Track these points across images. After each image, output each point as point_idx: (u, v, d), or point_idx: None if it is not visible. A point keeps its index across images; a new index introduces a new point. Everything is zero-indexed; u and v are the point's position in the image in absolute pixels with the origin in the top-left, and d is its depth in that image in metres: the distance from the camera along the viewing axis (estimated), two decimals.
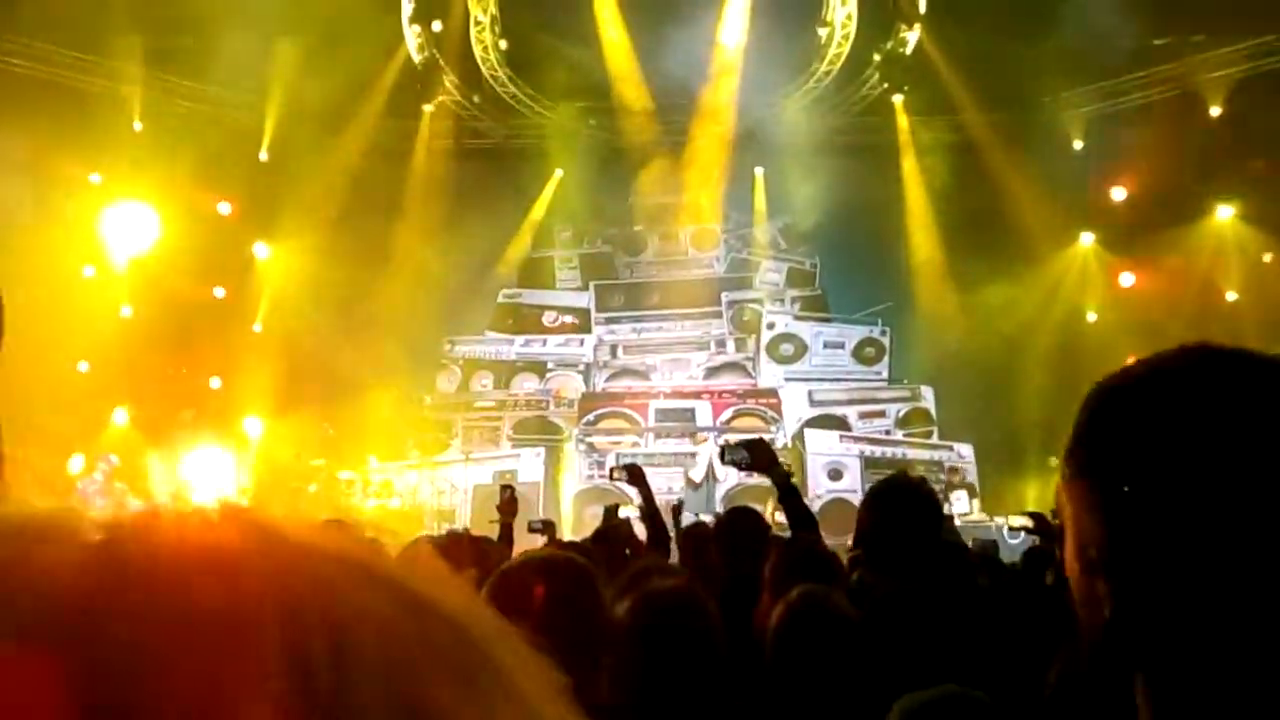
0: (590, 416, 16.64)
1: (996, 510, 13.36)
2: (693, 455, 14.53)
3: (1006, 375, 14.54)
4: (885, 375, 16.92)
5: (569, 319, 17.63)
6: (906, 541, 2.77)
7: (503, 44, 16.28)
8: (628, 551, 5.50)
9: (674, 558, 5.14)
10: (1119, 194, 15.18)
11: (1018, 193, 14.83)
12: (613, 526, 5.74)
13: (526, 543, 5.59)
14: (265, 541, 0.37)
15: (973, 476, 15.35)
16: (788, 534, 4.39)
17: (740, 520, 4.24)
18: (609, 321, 17.55)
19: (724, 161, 16.54)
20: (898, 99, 16.12)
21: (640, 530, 5.90)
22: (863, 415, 16.50)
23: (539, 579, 2.20)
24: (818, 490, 15.09)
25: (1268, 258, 14.11)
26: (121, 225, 14.75)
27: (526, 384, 17.22)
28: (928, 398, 16.46)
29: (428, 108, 16.43)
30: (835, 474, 15.58)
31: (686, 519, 7.51)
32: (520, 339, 17.45)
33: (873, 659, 2.35)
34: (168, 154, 14.36)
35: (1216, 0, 13.29)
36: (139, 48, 14.31)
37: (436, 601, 0.38)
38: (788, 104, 16.37)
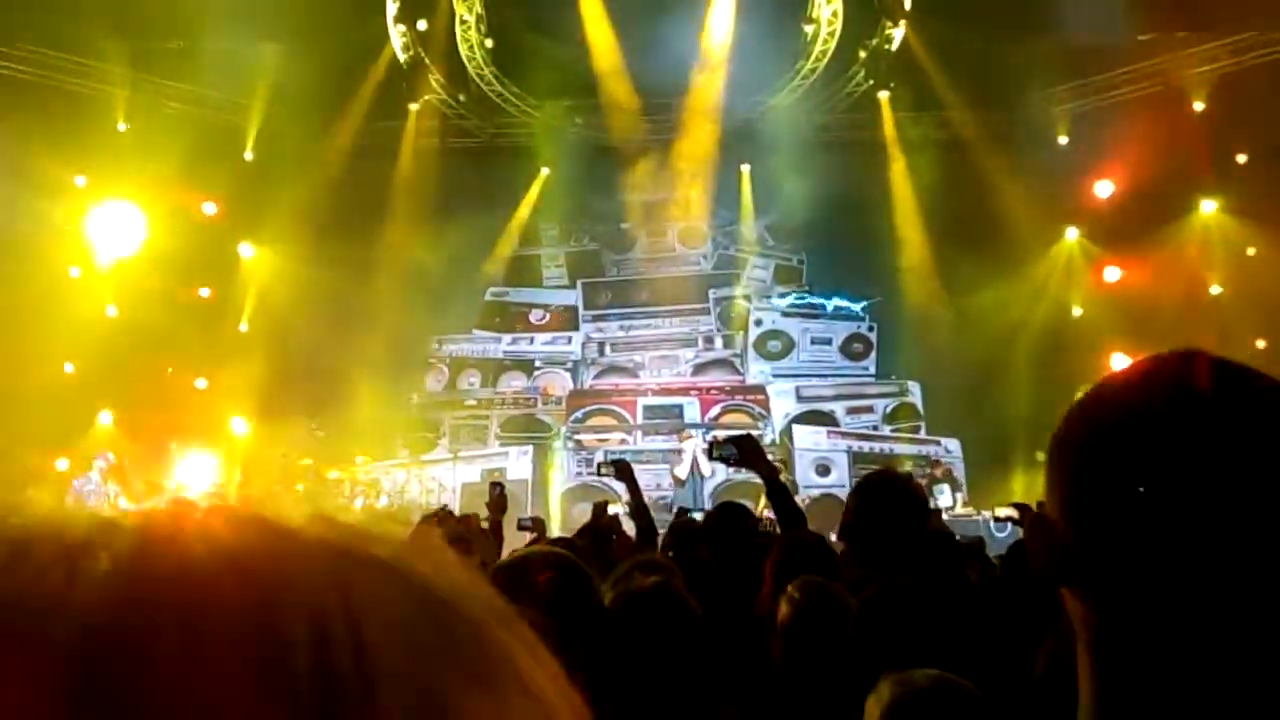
0: (578, 414, 16.64)
1: (983, 505, 13.40)
2: (679, 452, 14.54)
3: (993, 370, 14.60)
4: (873, 371, 16.96)
5: (556, 316, 17.62)
6: (891, 535, 2.79)
7: (488, 42, 16.25)
8: (614, 546, 5.52)
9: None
10: (1104, 189, 15.26)
11: (1003, 188, 14.88)
12: (601, 523, 5.76)
13: (516, 540, 5.60)
14: (280, 541, 0.37)
15: (959, 471, 15.40)
16: (776, 530, 4.41)
17: (728, 516, 4.26)
18: (596, 319, 17.55)
19: (711, 158, 16.54)
20: (883, 95, 16.16)
21: (629, 526, 5.92)
22: (850, 411, 16.54)
23: (545, 572, 2.20)
24: (806, 486, 15.13)
25: (1251, 251, 14.21)
26: (107, 226, 14.70)
27: (514, 382, 17.21)
28: (915, 393, 16.51)
29: (414, 107, 16.40)
30: (823, 469, 15.63)
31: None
32: (508, 337, 17.44)
33: (866, 652, 2.36)
34: (153, 155, 14.30)
35: None
36: (124, 49, 14.26)
37: (453, 595, 0.38)
38: (774, 101, 16.39)
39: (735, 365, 17.18)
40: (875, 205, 15.79)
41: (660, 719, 2.23)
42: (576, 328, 17.51)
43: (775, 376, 16.90)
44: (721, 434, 5.68)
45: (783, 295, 17.28)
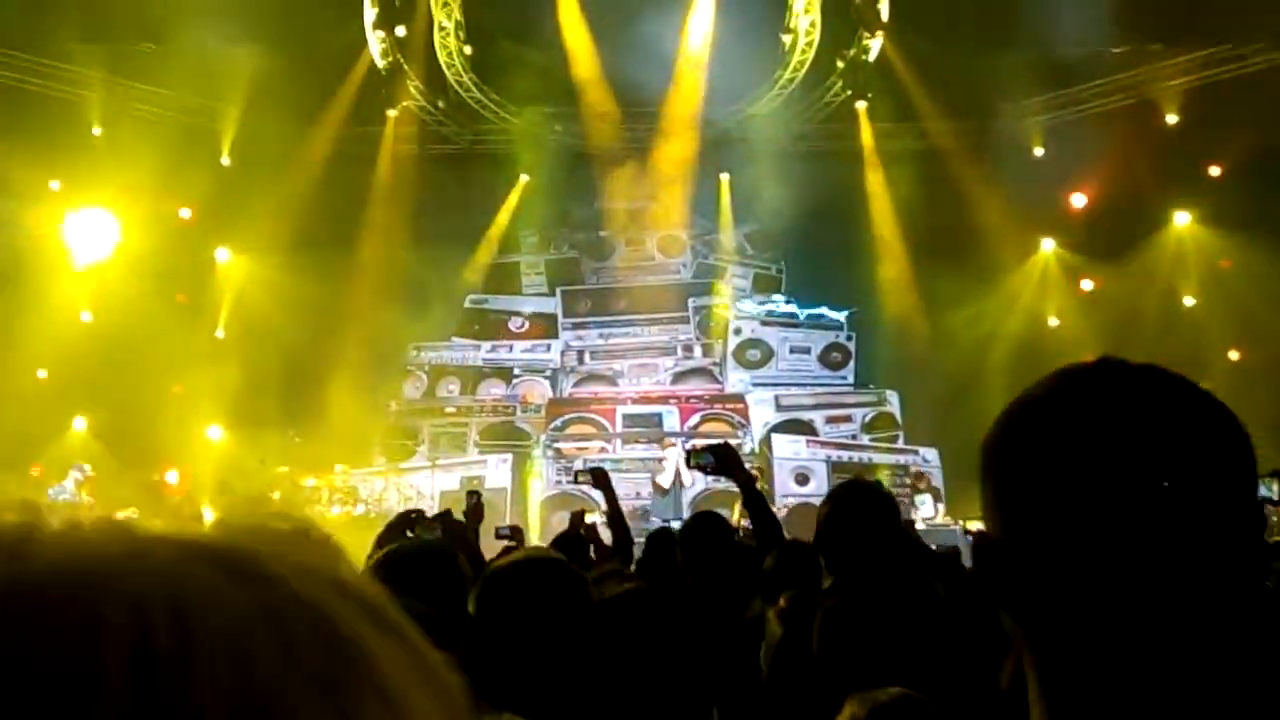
0: (557, 422, 16.61)
1: (961, 515, 13.46)
2: (660, 460, 14.53)
3: (971, 380, 14.64)
4: (851, 380, 17.03)
5: (535, 324, 17.60)
6: (864, 544, 2.80)
7: (467, 49, 16.25)
8: (592, 556, 5.51)
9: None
10: (1079, 200, 15.39)
11: (980, 199, 14.98)
12: (574, 531, 5.75)
13: (493, 549, 5.57)
14: (125, 543, 0.38)
15: (938, 481, 15.47)
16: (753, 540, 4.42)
17: (704, 525, 4.26)
18: (576, 327, 17.54)
19: (690, 167, 16.57)
20: (861, 106, 16.24)
21: (607, 535, 5.91)
22: (829, 420, 16.59)
23: (531, 579, 2.19)
24: (785, 495, 15.15)
25: (1225, 263, 14.35)
26: (82, 231, 14.59)
27: (493, 390, 17.17)
28: (893, 402, 16.58)
29: (392, 113, 16.35)
30: (802, 478, 15.65)
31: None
32: (487, 345, 17.39)
33: (828, 666, 2.37)
34: (128, 159, 14.18)
35: (1172, 10, 13.50)
36: (99, 53, 14.16)
37: (307, 594, 0.38)
38: (753, 110, 16.46)
39: (714, 374, 17.20)
40: (853, 215, 15.86)
41: None
42: (556, 335, 17.50)
43: (754, 385, 16.93)
44: (700, 442, 5.70)
45: (761, 303, 17.33)
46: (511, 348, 17.41)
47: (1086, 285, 15.49)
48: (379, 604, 0.40)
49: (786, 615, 2.65)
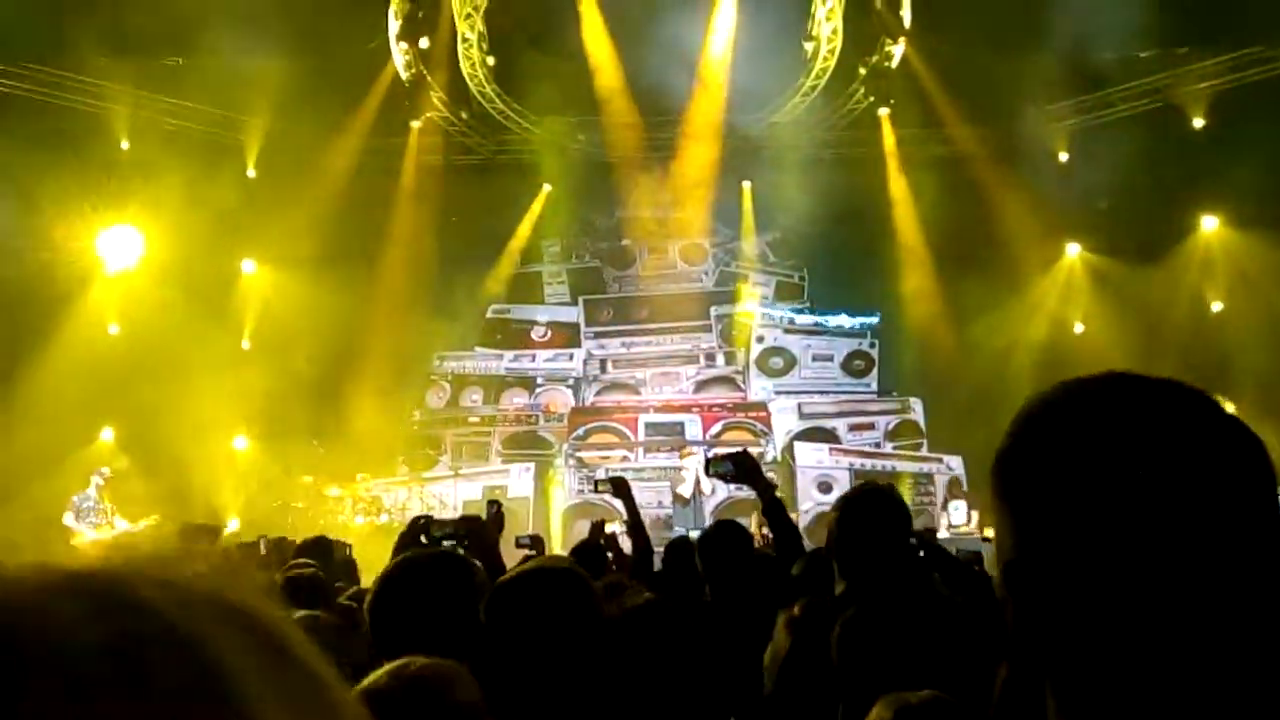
0: (580, 431, 16.62)
1: (984, 521, 13.35)
2: (680, 470, 14.50)
3: (995, 386, 14.54)
4: (874, 388, 16.95)
5: (557, 333, 17.64)
6: (875, 549, 2.78)
7: (490, 60, 16.33)
8: (613, 566, 5.50)
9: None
10: (1104, 205, 15.26)
11: (1004, 204, 14.90)
12: (594, 541, 5.74)
13: (514, 559, 5.57)
14: None
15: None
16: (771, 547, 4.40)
17: (723, 534, 4.24)
18: (598, 336, 17.56)
19: (712, 175, 16.57)
20: (884, 112, 16.19)
21: (627, 545, 5.89)
22: (852, 428, 16.52)
23: (539, 589, 2.19)
24: (807, 503, 15.09)
25: (1252, 268, 14.18)
26: (110, 243, 14.75)
27: (516, 399, 17.21)
28: (917, 410, 16.49)
29: (415, 124, 16.45)
30: (825, 486, 15.58)
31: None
32: (509, 354, 17.45)
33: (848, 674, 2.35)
34: (155, 172, 14.34)
35: (1199, 13, 13.39)
36: (126, 67, 14.30)
37: (170, 621, 0.37)
38: (775, 117, 16.44)
39: (737, 382, 17.17)
40: (876, 222, 15.80)
41: None
42: (578, 344, 17.53)
43: (777, 393, 16.89)
44: (719, 451, 5.68)
45: (784, 312, 17.30)
46: (534, 357, 17.44)
47: (1112, 291, 15.34)
48: (269, 629, 0.39)
49: (797, 624, 2.63)
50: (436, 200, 16.17)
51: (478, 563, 4.09)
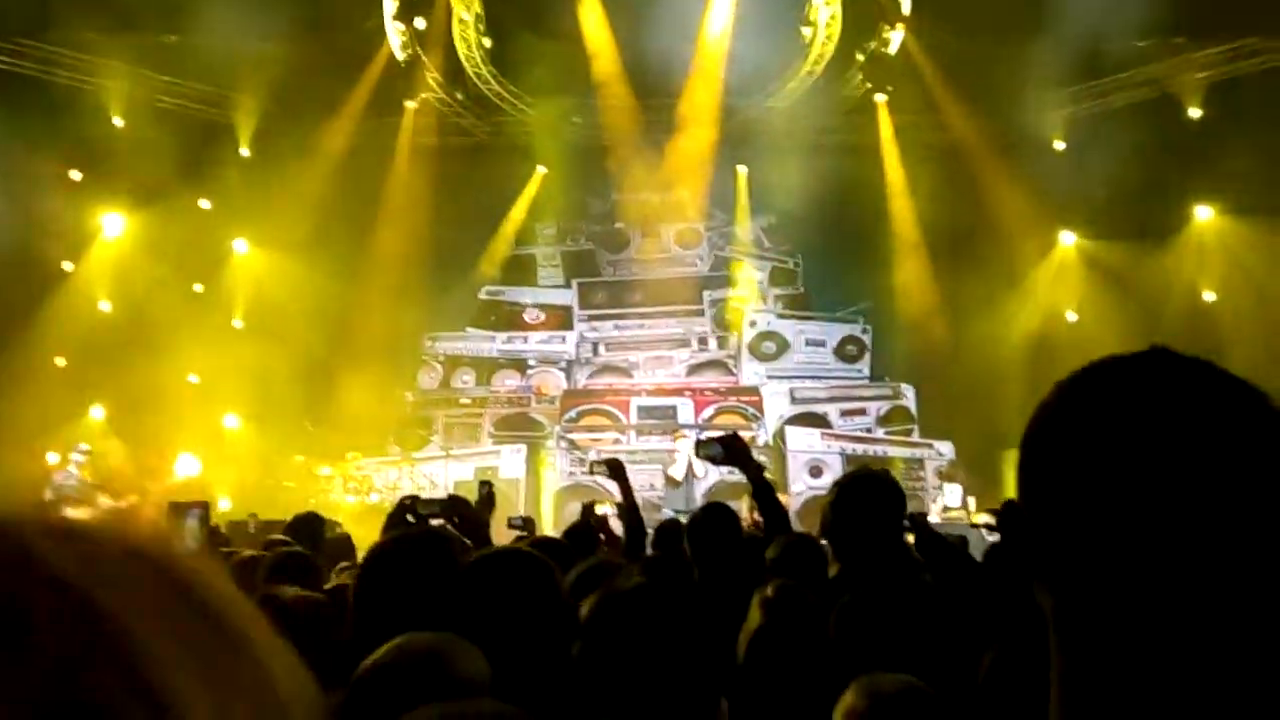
0: (572, 413, 16.64)
1: (982, 506, 13.40)
2: (672, 453, 14.51)
3: (987, 373, 14.59)
4: (866, 373, 16.98)
5: (550, 315, 17.63)
6: (871, 533, 2.79)
7: (486, 41, 16.26)
8: (605, 548, 5.51)
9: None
10: (1099, 194, 15.25)
11: (1000, 192, 14.90)
12: (586, 522, 5.76)
13: (507, 539, 5.58)
14: None
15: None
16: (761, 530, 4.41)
17: (712, 517, 4.25)
18: (591, 318, 17.56)
19: (707, 160, 16.53)
20: (881, 98, 16.16)
21: (618, 527, 5.91)
22: (844, 413, 16.55)
23: (498, 573, 2.20)
24: (798, 488, 15.13)
25: (1247, 258, 14.20)
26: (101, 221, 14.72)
27: (508, 380, 17.21)
28: (909, 396, 16.52)
29: (410, 105, 16.39)
30: (816, 471, 15.62)
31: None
32: (502, 336, 17.44)
33: (840, 658, 2.36)
34: (148, 150, 14.28)
35: (1196, 3, 13.37)
36: (120, 44, 14.22)
37: (61, 574, 0.36)
38: (772, 103, 16.40)
39: (729, 366, 17.19)
40: (871, 208, 15.79)
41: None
42: (571, 327, 17.52)
43: (769, 378, 16.91)
44: (709, 433, 5.69)
45: (778, 298, 17.32)
46: (527, 339, 17.44)
47: (1106, 279, 15.36)
48: (190, 588, 0.37)
49: (769, 604, 2.63)
50: (431, 181, 16.12)
51: (468, 541, 4.09)
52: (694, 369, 17.20)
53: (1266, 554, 0.77)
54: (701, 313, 17.45)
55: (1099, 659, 0.81)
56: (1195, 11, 13.48)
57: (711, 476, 14.15)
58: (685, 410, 16.43)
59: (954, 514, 12.95)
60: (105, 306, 14.81)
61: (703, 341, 17.40)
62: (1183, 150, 14.02)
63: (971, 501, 13.95)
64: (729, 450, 4.21)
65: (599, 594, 2.50)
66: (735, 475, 12.89)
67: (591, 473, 5.85)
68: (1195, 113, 14.51)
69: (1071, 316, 15.60)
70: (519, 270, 17.72)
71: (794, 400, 16.60)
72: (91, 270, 14.76)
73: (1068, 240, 15.76)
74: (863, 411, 16.57)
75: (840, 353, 17.00)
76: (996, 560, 4.18)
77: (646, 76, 15.66)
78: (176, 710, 0.35)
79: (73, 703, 0.33)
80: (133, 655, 0.34)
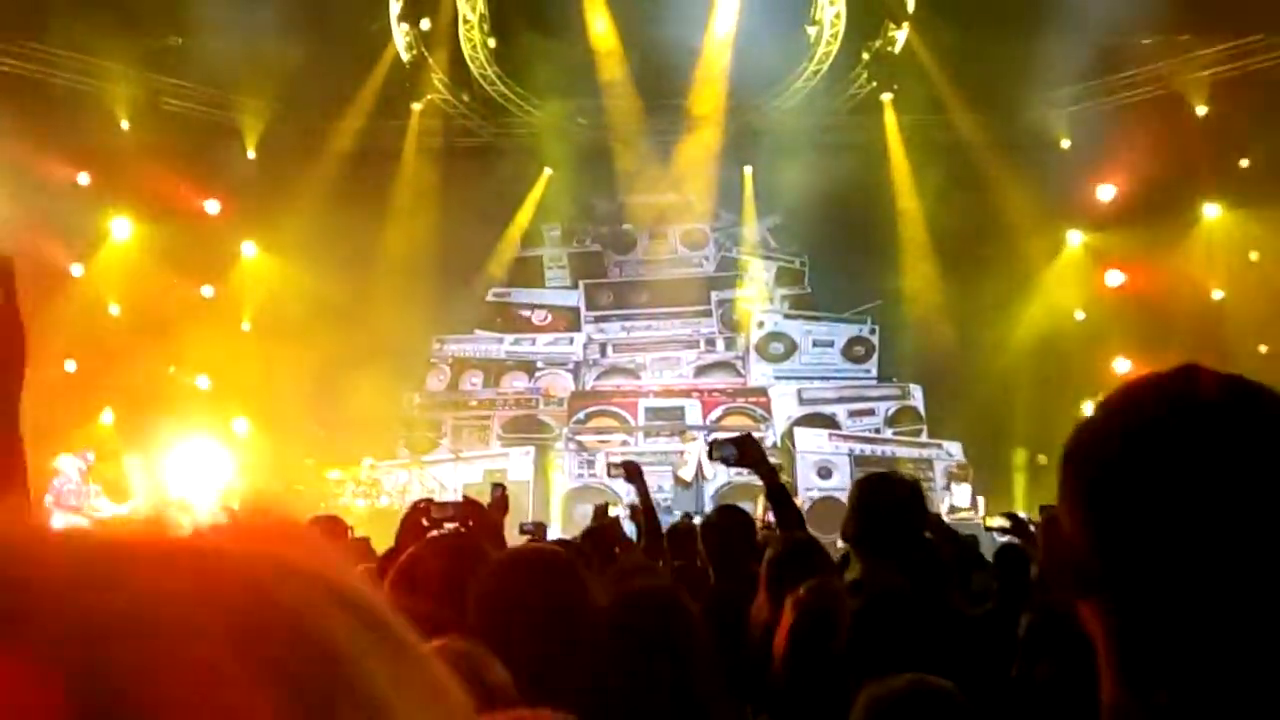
0: (580, 415, 16.63)
1: (995, 509, 13.38)
2: (681, 454, 14.51)
3: (995, 373, 14.59)
4: (874, 374, 16.96)
5: (558, 317, 17.64)
6: (892, 536, 2.79)
7: (491, 42, 16.27)
8: (617, 550, 5.51)
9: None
10: (1106, 193, 15.23)
11: (1006, 191, 14.87)
12: (603, 525, 5.75)
13: (517, 543, 5.59)
14: (79, 550, 0.35)
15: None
16: (776, 531, 4.40)
17: (726, 519, 4.25)
18: (598, 320, 17.56)
19: (713, 160, 16.54)
20: (886, 97, 16.15)
21: (629, 529, 5.91)
22: (852, 414, 16.52)
23: (524, 572, 2.20)
24: (807, 488, 15.11)
25: (1254, 256, 14.18)
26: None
27: (516, 383, 17.21)
28: (916, 396, 16.50)
29: (416, 106, 16.40)
30: (825, 472, 15.60)
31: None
32: (509, 338, 17.45)
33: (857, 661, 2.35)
34: (156, 153, 14.31)
35: (1201, 0, 13.35)
36: (127, 47, 14.24)
37: (285, 602, 0.35)
38: (777, 102, 16.39)
39: (737, 367, 17.18)
40: (878, 207, 15.76)
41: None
42: (578, 329, 17.53)
43: (777, 379, 16.90)
44: (722, 435, 5.67)
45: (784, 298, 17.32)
46: (534, 341, 17.45)
47: (1113, 278, 15.33)
48: (373, 608, 0.37)
49: (802, 603, 2.63)
50: (437, 183, 16.14)
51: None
52: (701, 370, 17.20)
53: None
54: (709, 313, 17.45)
55: (1161, 673, 0.81)
56: (1200, 9, 13.46)
57: (720, 478, 14.17)
58: (693, 411, 16.42)
59: (963, 514, 12.93)
60: (114, 310, 14.83)
61: (710, 342, 17.40)
62: (1190, 148, 13.99)
63: (980, 501, 13.94)
64: (743, 452, 4.19)
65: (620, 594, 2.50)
66: (744, 477, 12.93)
67: (609, 475, 5.84)
68: (1202, 110, 14.47)
69: (1079, 315, 15.58)
70: (526, 272, 17.73)
71: (802, 401, 16.58)
72: (100, 273, 14.78)
73: (1075, 239, 15.73)
74: (871, 412, 16.54)
75: (848, 353, 16.99)
76: (1005, 562, 4.19)
77: (652, 77, 15.66)
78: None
79: None
80: (362, 684, 0.35)
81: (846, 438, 16.15)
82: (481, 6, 15.92)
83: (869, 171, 15.69)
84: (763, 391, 16.73)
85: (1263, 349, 13.33)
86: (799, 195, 15.44)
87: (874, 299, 16.73)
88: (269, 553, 0.37)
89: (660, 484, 14.53)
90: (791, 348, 17.06)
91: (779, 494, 4.10)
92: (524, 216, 17.20)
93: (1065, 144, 15.60)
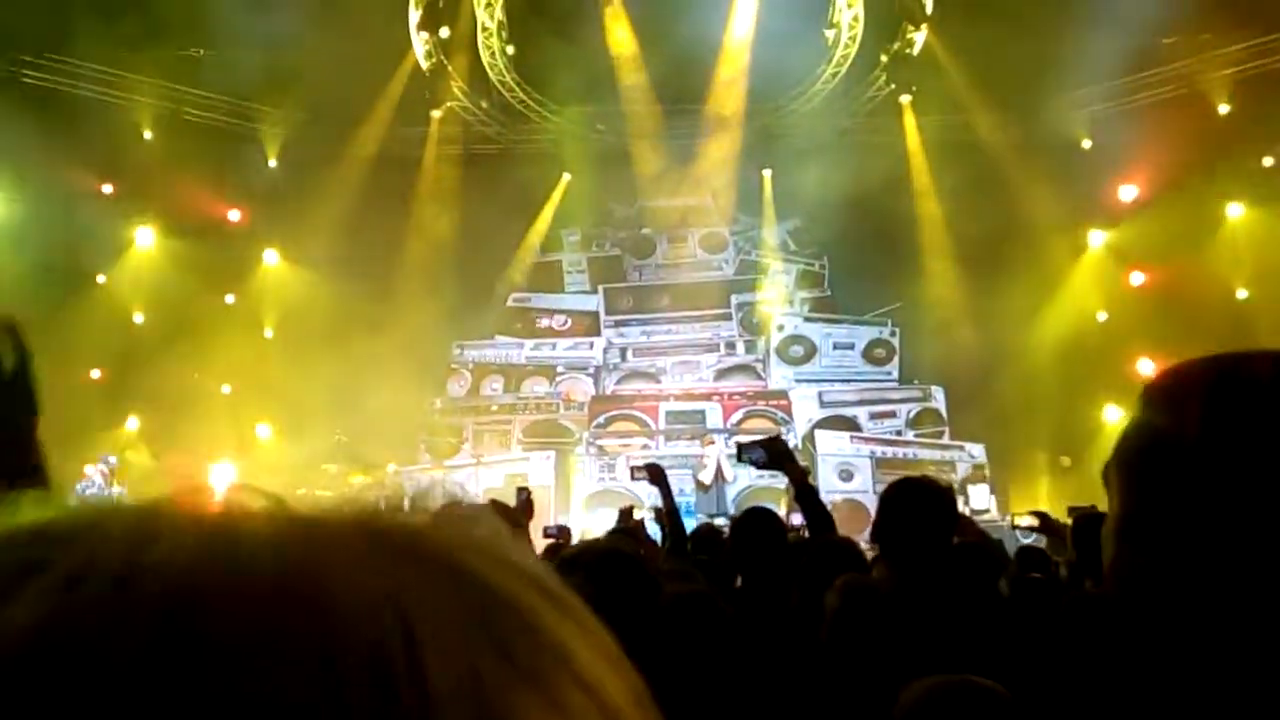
0: (600, 419, 16.65)
1: (1008, 509, 13.32)
2: (701, 457, 14.50)
3: (1017, 375, 14.52)
4: (895, 376, 16.89)
5: (578, 322, 17.66)
6: (922, 539, 2.79)
7: (510, 49, 16.32)
8: (641, 552, 5.52)
9: None
10: (1128, 193, 15.14)
11: (1027, 192, 14.80)
12: (628, 527, 5.76)
13: (539, 548, 5.60)
14: (318, 533, 0.35)
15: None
16: (804, 534, 4.40)
17: (756, 521, 4.24)
18: (618, 324, 17.58)
19: (732, 164, 16.55)
20: (906, 99, 16.11)
21: (652, 531, 5.92)
22: (873, 416, 16.46)
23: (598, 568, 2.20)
24: (829, 491, 15.06)
25: (1278, 254, 14.05)
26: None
27: (536, 387, 17.24)
28: (938, 398, 16.42)
29: (436, 114, 16.48)
30: (846, 475, 15.56)
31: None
32: (530, 342, 17.49)
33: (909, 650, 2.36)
34: (178, 163, 14.44)
35: None
36: (149, 58, 14.38)
37: (501, 582, 0.35)
38: (796, 106, 16.38)
39: (757, 370, 17.15)
40: (897, 209, 15.70)
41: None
42: (598, 333, 17.55)
43: (798, 381, 16.86)
44: (749, 438, 5.66)
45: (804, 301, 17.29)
46: (554, 345, 17.48)
47: (1136, 278, 15.23)
48: (553, 584, 0.37)
49: (844, 591, 2.63)
50: (457, 189, 16.21)
51: None
52: (722, 373, 17.18)
53: None
54: (729, 317, 17.44)
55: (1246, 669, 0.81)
56: (1222, 7, 13.38)
57: (740, 481, 14.15)
58: (714, 415, 16.40)
59: (986, 516, 12.89)
60: (139, 318, 14.97)
61: (730, 346, 17.38)
62: (1212, 147, 13.89)
63: (993, 502, 13.88)
64: (771, 454, 4.19)
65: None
66: (764, 480, 12.91)
67: (633, 478, 5.84)
68: (1224, 109, 14.38)
69: (1102, 315, 15.48)
70: (546, 277, 17.77)
71: (823, 404, 16.54)
72: (124, 282, 14.91)
73: (1097, 239, 15.64)
74: (892, 414, 16.48)
75: (869, 355, 16.93)
76: (1027, 562, 4.18)
77: (671, 82, 15.68)
78: (610, 702, 0.35)
79: (554, 709, 0.33)
80: (573, 661, 0.34)
81: (868, 440, 16.10)
82: (500, 14, 15.98)
83: (889, 173, 15.62)
84: (783, 394, 16.69)
85: None
86: (818, 198, 15.42)
87: (894, 301, 16.66)
88: (460, 534, 0.37)
89: (681, 487, 14.54)
90: (812, 350, 17.02)
91: (809, 496, 4.08)
92: (543, 222, 17.26)
93: (1086, 144, 15.51)
